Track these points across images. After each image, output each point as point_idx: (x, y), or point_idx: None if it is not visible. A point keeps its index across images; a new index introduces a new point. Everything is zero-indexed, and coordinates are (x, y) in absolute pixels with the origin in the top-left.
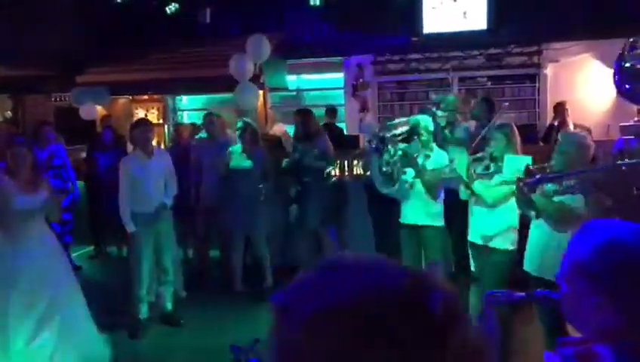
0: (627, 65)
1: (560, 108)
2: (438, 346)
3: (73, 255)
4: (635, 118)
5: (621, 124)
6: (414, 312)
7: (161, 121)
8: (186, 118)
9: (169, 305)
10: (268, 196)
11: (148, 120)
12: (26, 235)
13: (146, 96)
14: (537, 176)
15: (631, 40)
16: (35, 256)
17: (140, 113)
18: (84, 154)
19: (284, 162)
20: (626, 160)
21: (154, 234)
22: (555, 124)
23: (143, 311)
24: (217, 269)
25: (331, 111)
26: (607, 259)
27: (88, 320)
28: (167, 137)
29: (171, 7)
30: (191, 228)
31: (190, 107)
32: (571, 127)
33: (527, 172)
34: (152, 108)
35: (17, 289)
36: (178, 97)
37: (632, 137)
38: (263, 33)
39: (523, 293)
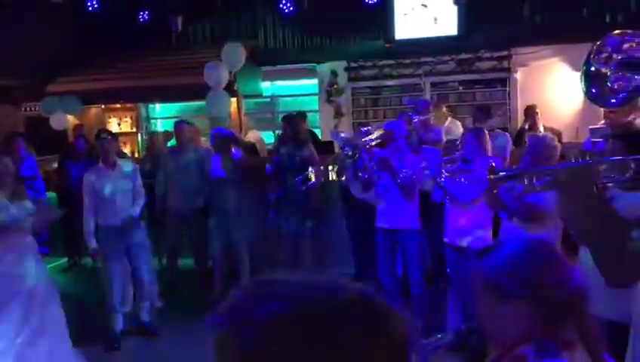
0: (593, 69)
1: (530, 112)
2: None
3: (47, 267)
4: (602, 121)
5: (590, 127)
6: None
7: (134, 130)
8: (159, 126)
9: (145, 316)
10: (247, 202)
11: (109, 131)
12: (14, 249)
13: (118, 105)
14: (502, 173)
15: (597, 44)
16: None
17: (112, 122)
18: (55, 165)
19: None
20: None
21: (124, 246)
22: (526, 127)
23: (119, 323)
24: (191, 278)
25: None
26: (508, 270)
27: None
28: (140, 146)
29: (143, 16)
30: (163, 237)
31: (164, 115)
32: (541, 129)
33: (492, 170)
34: (125, 116)
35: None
36: (151, 105)
37: (600, 139)
38: (236, 41)
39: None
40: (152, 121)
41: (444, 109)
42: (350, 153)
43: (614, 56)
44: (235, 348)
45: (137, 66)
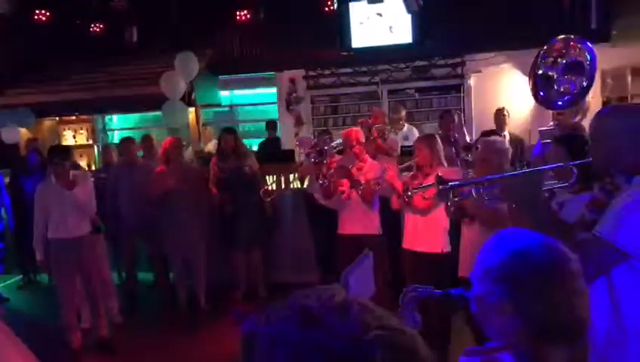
0: (540, 72)
1: (498, 115)
2: None
3: (0, 285)
4: (551, 123)
5: (539, 128)
6: None
7: (90, 142)
8: (117, 137)
9: (104, 332)
10: (202, 215)
11: (63, 148)
12: None
13: (73, 117)
14: (450, 183)
15: (544, 49)
16: None
17: (67, 134)
18: (7, 179)
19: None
20: (525, 167)
21: (77, 261)
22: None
23: (76, 340)
24: (151, 293)
25: (272, 124)
26: (512, 267)
27: None
28: (97, 158)
29: (96, 26)
30: (119, 252)
31: (121, 126)
32: (506, 134)
33: (439, 181)
34: (81, 128)
35: None
36: (108, 116)
37: (549, 141)
38: (193, 50)
39: (440, 291)
40: (109, 132)
41: (403, 114)
42: (313, 158)
43: (560, 60)
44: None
45: (93, 77)
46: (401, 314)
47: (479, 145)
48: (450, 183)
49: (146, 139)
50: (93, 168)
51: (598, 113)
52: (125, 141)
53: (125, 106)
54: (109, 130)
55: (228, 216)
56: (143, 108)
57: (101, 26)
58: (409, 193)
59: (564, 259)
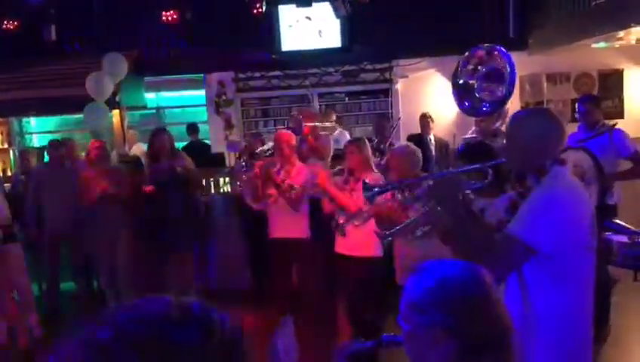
0: (461, 82)
1: (422, 120)
2: None
3: None
4: (472, 129)
5: (463, 137)
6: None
7: (6, 146)
8: (35, 141)
9: (23, 346)
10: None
11: None
12: None
13: None
14: (375, 189)
15: (463, 57)
16: None
17: None
18: None
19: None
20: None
21: None
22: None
23: None
24: (74, 303)
25: (193, 128)
26: (438, 294)
27: None
28: (13, 163)
29: (10, 23)
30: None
31: (40, 129)
32: (431, 138)
33: (365, 186)
34: None
35: None
36: (26, 119)
37: None
38: (118, 50)
39: (372, 342)
40: (27, 136)
41: (334, 118)
42: (244, 162)
43: (479, 68)
44: None
45: (8, 77)
46: None
47: (388, 154)
48: (374, 189)
49: (67, 142)
50: (9, 173)
51: (512, 116)
52: (52, 143)
53: (44, 108)
54: (26, 133)
55: (159, 219)
56: (63, 110)
57: (16, 22)
58: (342, 229)
59: (481, 274)
